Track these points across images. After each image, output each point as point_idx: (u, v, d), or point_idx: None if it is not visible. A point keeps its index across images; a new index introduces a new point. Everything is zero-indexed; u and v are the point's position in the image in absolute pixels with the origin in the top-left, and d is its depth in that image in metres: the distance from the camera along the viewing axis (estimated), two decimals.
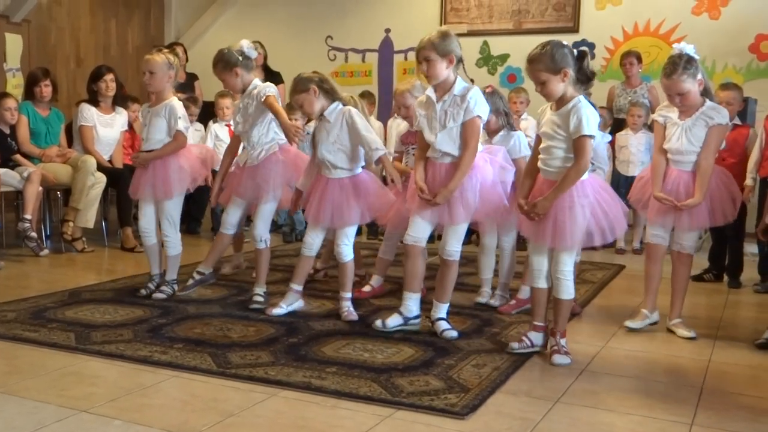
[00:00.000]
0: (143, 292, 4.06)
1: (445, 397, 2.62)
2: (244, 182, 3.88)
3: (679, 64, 3.33)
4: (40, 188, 5.21)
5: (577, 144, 2.95)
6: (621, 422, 2.48)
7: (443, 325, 3.36)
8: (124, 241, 5.56)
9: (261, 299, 3.85)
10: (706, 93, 3.43)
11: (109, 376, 2.84)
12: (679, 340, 3.45)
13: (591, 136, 2.94)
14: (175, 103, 3.97)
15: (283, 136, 3.85)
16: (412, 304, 3.44)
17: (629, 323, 3.58)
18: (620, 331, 3.57)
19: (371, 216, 3.71)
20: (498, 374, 2.87)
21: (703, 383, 2.87)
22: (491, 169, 3.34)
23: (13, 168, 5.24)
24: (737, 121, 4.69)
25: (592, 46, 7.13)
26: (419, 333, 3.40)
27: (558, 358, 3.04)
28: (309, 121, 4.41)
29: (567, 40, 7.57)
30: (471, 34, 7.64)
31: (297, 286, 3.77)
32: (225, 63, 3.81)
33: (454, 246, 3.33)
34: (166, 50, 4.06)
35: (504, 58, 7.55)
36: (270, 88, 3.81)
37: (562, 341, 3.10)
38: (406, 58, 7.84)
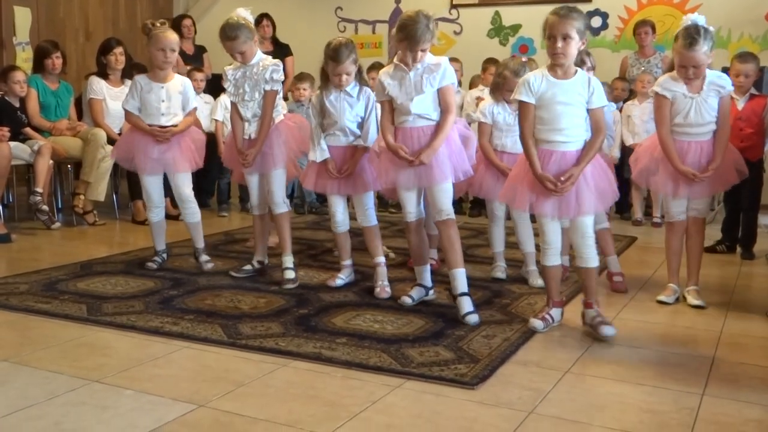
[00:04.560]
0: (152, 265, 4.08)
1: (455, 367, 2.62)
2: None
3: (701, 35, 3.31)
4: (51, 161, 5.22)
5: (597, 114, 3.00)
6: (632, 392, 2.47)
7: (467, 305, 3.21)
8: (134, 213, 5.59)
9: (293, 275, 3.79)
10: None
11: (121, 347, 2.86)
12: (690, 311, 3.43)
13: (605, 107, 3.05)
14: (187, 81, 4.18)
15: (281, 109, 3.94)
16: (427, 274, 3.48)
17: (662, 297, 3.56)
18: (631, 303, 3.55)
19: (382, 184, 3.68)
20: (508, 345, 2.87)
21: (714, 354, 2.86)
22: (456, 135, 3.36)
23: (23, 141, 5.25)
24: (753, 91, 4.61)
25: (605, 15, 7.04)
26: (429, 304, 3.40)
27: (608, 330, 2.99)
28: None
29: (580, 9, 7.41)
30: (482, 4, 7.55)
31: (346, 262, 3.82)
32: (248, 31, 3.71)
33: (445, 204, 3.28)
34: (160, 26, 4.06)
35: (516, 28, 7.46)
36: (278, 84, 3.77)
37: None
38: None
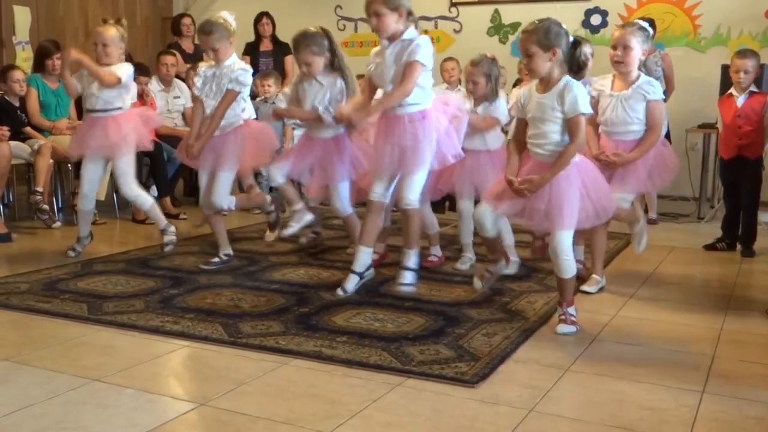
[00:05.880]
0: (71, 254, 4.26)
1: (456, 365, 2.62)
2: (204, 153, 3.92)
3: (637, 23, 3.46)
4: (51, 161, 5.22)
5: (573, 122, 2.94)
6: (631, 390, 2.47)
7: (407, 277, 3.44)
8: (135, 213, 5.58)
9: (217, 260, 4.05)
10: (646, 68, 3.57)
11: (122, 346, 2.86)
12: (690, 309, 3.43)
13: (586, 114, 2.96)
14: (126, 67, 4.17)
15: (245, 114, 4.06)
16: (365, 257, 3.52)
17: (585, 287, 3.63)
18: (631, 300, 3.56)
19: (355, 174, 3.83)
20: (508, 343, 2.87)
21: (714, 352, 2.86)
22: (445, 118, 3.41)
23: (23, 141, 5.25)
24: (753, 88, 4.61)
25: (605, 13, 7.03)
26: (430, 302, 3.40)
27: (562, 328, 3.04)
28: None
29: (580, 7, 7.43)
30: (482, 2, 7.54)
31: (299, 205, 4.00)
32: (225, 31, 3.83)
33: (410, 195, 3.37)
34: (113, 23, 4.16)
35: (515, 26, 7.44)
36: (241, 86, 3.85)
37: (570, 309, 3.10)
38: (416, 27, 7.73)
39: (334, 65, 3.73)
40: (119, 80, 4.09)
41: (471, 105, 3.89)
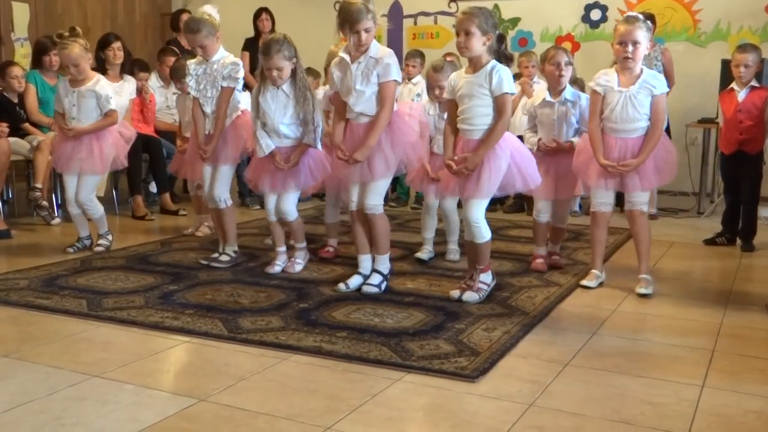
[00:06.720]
0: (70, 250, 4.33)
1: (456, 360, 2.62)
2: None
3: (640, 17, 3.50)
4: (50, 157, 5.21)
5: (500, 101, 3.17)
6: (632, 384, 2.47)
7: (374, 278, 3.51)
8: (134, 209, 5.59)
9: (227, 259, 4.01)
10: (645, 60, 3.58)
11: (121, 342, 2.86)
12: (690, 304, 3.43)
13: (512, 94, 3.21)
14: (102, 83, 4.28)
15: (242, 105, 4.05)
16: (367, 263, 3.58)
17: (585, 282, 3.68)
18: (631, 295, 3.55)
19: (313, 181, 3.86)
20: (508, 338, 2.87)
21: (714, 346, 2.86)
22: (409, 126, 3.50)
23: (22, 137, 5.25)
24: (754, 83, 4.60)
25: (604, 8, 7.01)
26: (430, 297, 3.40)
27: (468, 296, 3.30)
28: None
29: (579, 2, 7.39)
30: None
31: (281, 248, 3.94)
32: (211, 27, 3.82)
33: (373, 200, 3.47)
34: (68, 36, 4.20)
35: (515, 21, 7.43)
36: (235, 82, 3.89)
37: (483, 276, 3.35)
38: (415, 23, 7.75)
39: (295, 75, 3.66)
40: (116, 112, 4.29)
41: (437, 110, 3.96)
